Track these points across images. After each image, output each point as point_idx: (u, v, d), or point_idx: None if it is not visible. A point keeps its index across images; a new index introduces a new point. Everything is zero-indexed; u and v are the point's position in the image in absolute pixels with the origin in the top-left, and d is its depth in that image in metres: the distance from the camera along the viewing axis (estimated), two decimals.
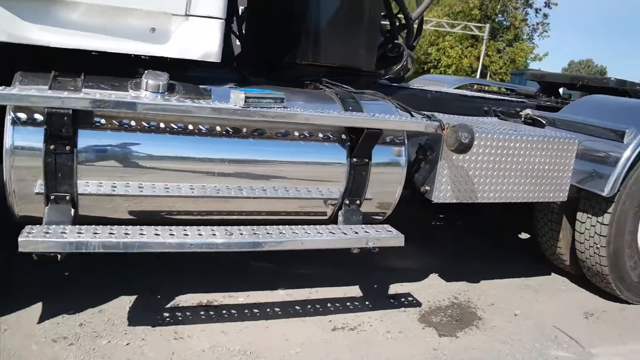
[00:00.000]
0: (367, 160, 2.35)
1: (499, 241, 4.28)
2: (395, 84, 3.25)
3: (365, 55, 2.83)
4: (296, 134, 2.27)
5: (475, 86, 4.98)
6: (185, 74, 2.31)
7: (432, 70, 20.23)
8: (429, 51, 19.99)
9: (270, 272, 3.07)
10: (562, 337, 2.76)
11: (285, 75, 2.79)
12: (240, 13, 3.09)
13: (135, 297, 2.58)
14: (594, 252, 3.13)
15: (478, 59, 19.20)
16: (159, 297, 2.62)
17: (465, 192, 2.62)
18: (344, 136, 2.34)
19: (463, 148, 2.29)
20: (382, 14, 3.05)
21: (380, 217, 2.61)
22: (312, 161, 2.33)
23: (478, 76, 17.88)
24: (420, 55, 19.87)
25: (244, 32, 3.07)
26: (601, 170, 2.95)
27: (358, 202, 2.42)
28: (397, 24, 3.18)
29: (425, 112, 2.53)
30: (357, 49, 2.77)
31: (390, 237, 2.33)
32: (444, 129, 2.36)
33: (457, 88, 4.55)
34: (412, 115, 2.52)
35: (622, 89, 4.02)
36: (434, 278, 3.29)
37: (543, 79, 4.49)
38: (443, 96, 3.40)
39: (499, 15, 21.60)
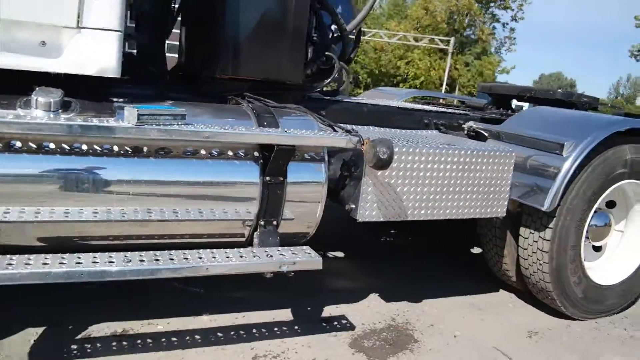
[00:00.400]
0: (281, 178, 2.23)
1: (449, 257, 4.17)
2: (329, 98, 3.13)
3: (290, 69, 2.71)
4: (203, 152, 2.14)
5: (427, 98, 4.89)
6: (104, 90, 2.17)
7: (401, 84, 20.32)
8: (397, 64, 20.12)
9: (197, 295, 2.91)
10: (501, 359, 2.65)
11: (208, 90, 2.66)
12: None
13: (41, 329, 2.41)
14: (538, 268, 3.03)
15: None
16: (70, 327, 2.45)
17: (392, 210, 2.50)
18: (256, 153, 2.22)
19: (382, 164, 2.18)
20: (312, 25, 2.94)
21: (303, 238, 2.48)
22: (222, 181, 2.19)
23: (443, 90, 17.86)
24: (389, 69, 19.99)
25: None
26: (541, 184, 2.86)
27: (274, 222, 2.29)
28: (331, 35, 3.08)
29: (348, 127, 2.41)
30: (281, 62, 2.65)
31: (306, 260, 2.20)
32: (363, 144, 2.24)
33: (409, 100, 4.47)
34: (334, 131, 2.40)
35: (568, 100, 3.96)
36: (373, 298, 3.15)
37: (491, 91, 4.42)
38: (381, 109, 3.30)
39: (467, 30, 21.85)
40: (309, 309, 2.91)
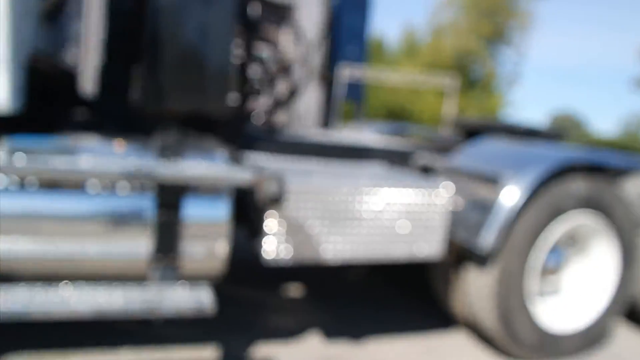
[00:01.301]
0: (176, 214, 2.12)
1: (402, 293, 3.97)
2: (270, 132, 3.06)
3: (215, 103, 2.63)
4: (90, 187, 2.04)
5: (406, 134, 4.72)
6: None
7: (409, 119, 20.30)
8: (405, 106, 20.24)
9: (113, 332, 2.75)
10: None
11: (135, 124, 2.60)
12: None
13: None
14: (485, 313, 2.84)
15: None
16: None
17: (303, 251, 2.36)
18: (150, 189, 2.12)
19: (272, 200, 2.08)
20: (246, 58, 2.89)
21: (209, 278, 2.34)
22: (110, 217, 2.09)
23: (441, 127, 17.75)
24: (400, 106, 20.02)
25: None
26: (477, 223, 2.71)
27: (172, 262, 2.17)
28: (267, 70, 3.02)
29: (256, 163, 2.32)
30: (204, 95, 2.57)
31: (193, 307, 2.07)
32: (258, 180, 2.13)
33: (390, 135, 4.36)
34: (239, 166, 2.31)
35: (532, 132, 3.84)
36: (312, 338, 2.98)
37: (459, 124, 4.30)
38: (325, 144, 3.19)
39: (473, 67, 22.07)
40: (238, 347, 2.74)
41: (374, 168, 3.10)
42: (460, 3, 22.00)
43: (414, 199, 2.55)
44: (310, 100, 11.67)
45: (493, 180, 2.73)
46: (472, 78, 22.43)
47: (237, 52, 2.75)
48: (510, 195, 2.67)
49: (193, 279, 2.27)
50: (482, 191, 2.78)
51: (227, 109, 2.68)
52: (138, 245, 2.11)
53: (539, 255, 2.86)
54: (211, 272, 2.31)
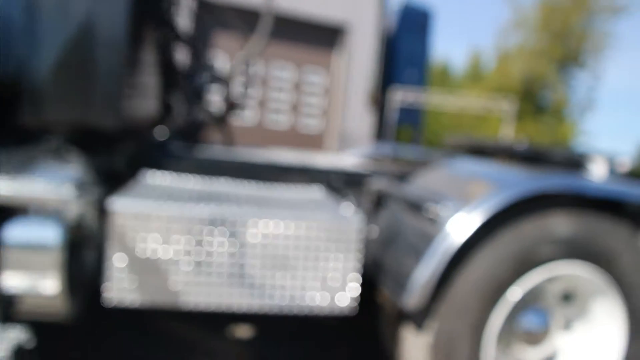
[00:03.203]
0: None
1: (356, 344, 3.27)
2: (190, 148, 2.59)
3: (101, 113, 2.20)
4: None
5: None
6: None
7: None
8: (468, 132, 19.14)
9: None
10: None
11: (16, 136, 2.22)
12: None
13: None
14: None
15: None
16: None
17: (153, 293, 1.83)
18: None
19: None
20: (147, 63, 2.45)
21: (44, 316, 1.85)
22: None
23: None
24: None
25: None
26: (404, 270, 2.04)
27: None
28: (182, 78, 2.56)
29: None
30: (89, 105, 2.15)
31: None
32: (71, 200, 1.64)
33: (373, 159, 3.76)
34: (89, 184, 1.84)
35: (536, 156, 3.07)
36: None
37: (453, 144, 3.59)
38: (253, 164, 2.65)
39: (542, 92, 20.51)
40: None
41: (294, 192, 2.52)
42: (530, 24, 20.67)
43: (314, 233, 1.95)
44: (360, 123, 11.12)
45: (430, 214, 2.06)
46: (542, 104, 20.90)
47: (141, 54, 2.32)
48: (452, 235, 1.99)
49: (26, 317, 1.81)
50: (417, 229, 2.12)
51: (121, 121, 2.25)
52: None
53: (502, 313, 2.13)
54: (46, 308, 1.83)
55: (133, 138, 2.51)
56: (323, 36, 10.42)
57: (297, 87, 10.36)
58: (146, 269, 1.87)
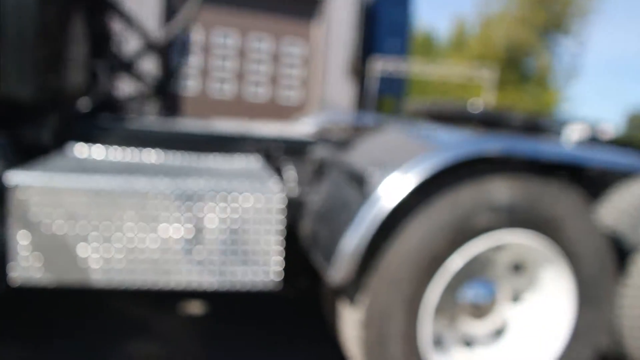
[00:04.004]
0: None
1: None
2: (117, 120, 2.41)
3: (18, 85, 2.02)
4: None
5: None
6: None
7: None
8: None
9: None
10: None
11: None
12: None
13: None
14: (361, 353, 2.02)
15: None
16: None
17: (59, 270, 1.69)
18: None
19: None
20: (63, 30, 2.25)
21: None
22: None
23: None
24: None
25: None
26: (330, 241, 1.89)
27: None
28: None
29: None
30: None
31: None
32: None
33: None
34: None
35: (499, 120, 2.91)
36: None
37: (414, 110, 3.42)
38: (187, 134, 2.48)
39: (526, 59, 20.24)
40: None
41: (223, 163, 2.35)
42: None
43: (234, 205, 1.80)
44: (341, 93, 10.85)
45: (357, 179, 1.91)
46: (525, 71, 20.62)
47: (62, 20, 2.12)
48: (380, 202, 1.84)
49: None
50: (347, 197, 1.96)
51: (40, 92, 2.08)
52: None
53: (439, 285, 1.99)
54: None
55: (57, 110, 2.33)
56: (301, 6, 10.10)
57: (276, 58, 10.08)
58: (53, 246, 1.72)
